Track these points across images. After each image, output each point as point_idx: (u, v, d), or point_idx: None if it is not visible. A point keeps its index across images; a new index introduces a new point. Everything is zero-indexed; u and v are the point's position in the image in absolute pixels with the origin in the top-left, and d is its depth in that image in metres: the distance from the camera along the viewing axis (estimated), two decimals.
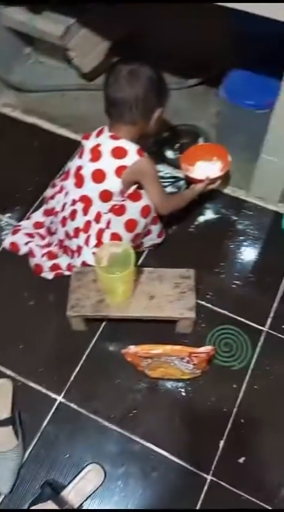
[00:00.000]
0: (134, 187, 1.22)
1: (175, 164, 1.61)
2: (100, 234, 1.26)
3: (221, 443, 1.17)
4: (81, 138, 1.30)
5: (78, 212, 1.25)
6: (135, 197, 1.23)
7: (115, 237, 1.26)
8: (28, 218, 1.50)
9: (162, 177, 1.60)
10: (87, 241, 1.27)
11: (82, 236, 1.27)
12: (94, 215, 1.24)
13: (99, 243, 1.26)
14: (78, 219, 1.25)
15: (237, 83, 1.43)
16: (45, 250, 1.39)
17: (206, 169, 1.43)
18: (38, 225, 1.45)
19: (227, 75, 1.45)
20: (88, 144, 1.24)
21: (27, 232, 1.44)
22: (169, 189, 1.59)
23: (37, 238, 1.42)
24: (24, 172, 1.64)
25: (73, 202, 1.25)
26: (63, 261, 1.36)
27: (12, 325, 1.34)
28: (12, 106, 1.83)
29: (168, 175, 1.61)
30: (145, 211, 1.25)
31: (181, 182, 1.61)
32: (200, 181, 1.37)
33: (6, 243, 1.44)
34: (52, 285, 1.39)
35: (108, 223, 1.26)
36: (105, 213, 1.24)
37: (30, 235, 1.43)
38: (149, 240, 1.39)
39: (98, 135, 1.24)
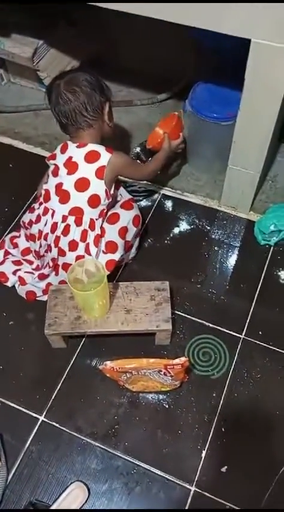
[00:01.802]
0: (113, 188, 1.29)
1: None
2: (97, 240, 1.28)
3: (204, 453, 1.17)
4: (47, 159, 1.33)
5: (71, 225, 1.27)
6: (127, 206, 1.35)
7: (112, 244, 1.30)
8: (13, 243, 1.47)
9: (136, 191, 1.62)
10: (87, 250, 1.28)
11: (81, 246, 1.28)
12: (88, 223, 1.27)
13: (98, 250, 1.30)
14: (72, 232, 1.27)
15: (202, 96, 1.46)
16: (36, 273, 1.39)
17: None
18: (26, 251, 1.44)
19: (192, 89, 1.48)
20: (59, 161, 1.28)
21: (14, 260, 1.44)
22: (143, 203, 1.62)
23: (25, 265, 1.42)
24: (0, 192, 1.66)
25: (64, 218, 1.27)
26: (54, 280, 1.36)
27: None
28: None
29: (142, 189, 1.63)
30: (136, 221, 1.36)
31: (155, 195, 1.64)
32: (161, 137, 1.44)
33: None
34: (31, 304, 1.39)
35: (102, 230, 1.29)
36: (97, 219, 1.28)
37: (18, 262, 1.43)
38: (130, 254, 1.43)
39: (63, 151, 1.28)
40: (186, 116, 1.49)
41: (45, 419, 1.22)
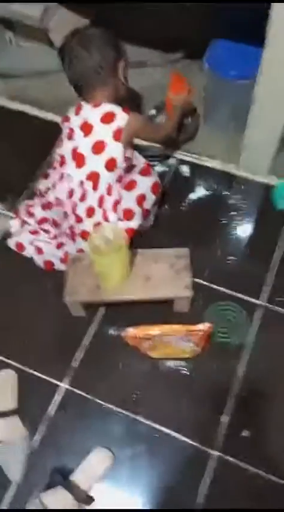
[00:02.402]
0: (130, 150, 1.25)
1: None
2: (115, 206, 1.26)
3: (225, 418, 1.18)
4: (61, 122, 1.28)
5: (88, 191, 1.24)
6: (145, 172, 1.29)
7: (128, 212, 1.27)
8: (29, 212, 1.44)
9: (152, 156, 1.57)
10: (105, 216, 1.26)
11: (99, 212, 1.25)
12: (106, 188, 1.24)
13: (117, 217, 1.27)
14: (89, 198, 1.24)
15: (220, 54, 1.40)
16: (54, 242, 1.37)
17: None
18: (42, 220, 1.41)
19: (210, 47, 1.42)
20: (73, 123, 1.24)
21: (31, 229, 1.41)
22: (158, 168, 1.57)
23: (42, 234, 1.40)
24: (12, 160, 1.62)
25: (81, 183, 1.24)
26: (71, 248, 1.34)
27: (12, 315, 1.35)
28: None
29: (158, 153, 1.59)
30: (155, 188, 1.31)
31: (171, 160, 1.59)
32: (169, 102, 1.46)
33: (11, 243, 1.41)
34: (50, 273, 1.38)
35: (120, 196, 1.26)
36: (114, 184, 1.24)
37: (35, 232, 1.41)
38: (146, 222, 1.39)
39: (77, 112, 1.24)
40: (203, 75, 1.43)
41: (67, 387, 1.24)
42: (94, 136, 1.20)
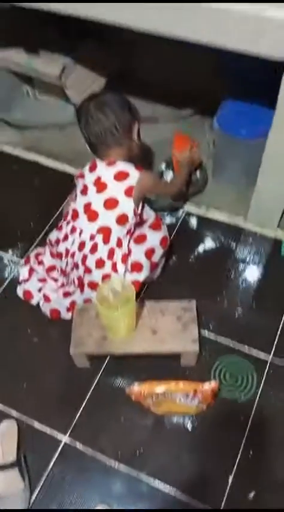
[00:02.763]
0: (140, 206, 1.29)
1: None
2: (124, 259, 1.28)
3: (230, 478, 1.15)
4: (75, 178, 1.33)
5: (99, 243, 1.27)
6: (155, 227, 1.33)
7: (137, 265, 1.29)
8: (38, 260, 1.47)
9: (161, 208, 1.61)
10: (114, 268, 1.28)
11: (108, 264, 1.28)
12: (116, 241, 1.27)
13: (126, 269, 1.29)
14: (99, 250, 1.27)
15: (230, 113, 1.46)
16: (61, 290, 1.39)
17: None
18: (50, 268, 1.44)
19: (221, 106, 1.48)
20: (88, 180, 1.28)
21: (39, 277, 1.44)
22: (167, 219, 1.61)
23: (50, 282, 1.42)
24: (26, 208, 1.67)
25: (92, 236, 1.27)
26: (79, 298, 1.36)
27: (16, 363, 1.34)
28: (13, 144, 1.88)
29: (167, 205, 1.62)
30: (164, 242, 1.35)
31: (180, 212, 1.63)
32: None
33: (19, 292, 1.43)
34: (56, 322, 1.39)
35: (129, 250, 1.29)
36: (124, 238, 1.28)
37: (43, 280, 1.43)
38: (154, 274, 1.41)
39: (92, 170, 1.28)
40: (214, 134, 1.49)
41: (68, 441, 1.21)
42: (107, 193, 1.25)
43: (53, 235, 1.38)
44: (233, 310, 1.40)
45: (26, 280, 1.44)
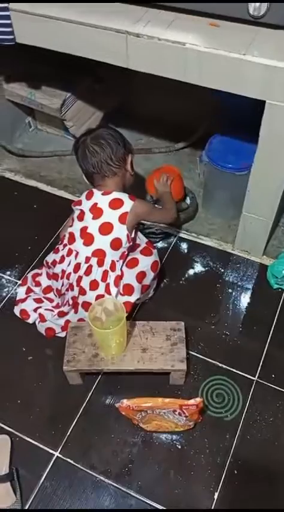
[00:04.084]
0: (134, 232, 1.37)
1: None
2: (117, 281, 1.35)
3: (216, 495, 1.18)
4: (73, 204, 1.41)
5: (94, 266, 1.34)
6: (146, 252, 1.40)
7: (129, 287, 1.36)
8: (35, 281, 1.53)
9: (153, 233, 1.69)
10: (107, 290, 1.35)
11: (102, 286, 1.35)
12: (110, 264, 1.34)
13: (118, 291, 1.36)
14: (94, 273, 1.34)
15: (218, 147, 1.56)
16: (56, 311, 1.45)
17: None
18: (47, 290, 1.50)
19: (209, 141, 1.58)
20: (85, 206, 1.36)
21: (35, 297, 1.50)
22: (159, 244, 1.69)
23: (46, 302, 1.48)
24: (24, 231, 1.74)
25: (87, 259, 1.34)
26: (73, 317, 1.42)
27: (10, 380, 1.38)
28: (14, 171, 1.97)
29: (159, 231, 1.71)
30: (154, 266, 1.41)
31: (171, 238, 1.71)
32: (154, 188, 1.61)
33: (16, 311, 1.49)
34: (50, 340, 1.44)
35: (122, 273, 1.35)
36: (118, 261, 1.35)
37: (39, 300, 1.49)
38: (146, 295, 1.47)
39: (88, 198, 1.36)
40: (203, 166, 1.58)
41: (60, 455, 1.24)
42: (102, 218, 1.32)
43: (50, 257, 1.45)
44: (221, 333, 1.46)
45: (23, 300, 1.50)
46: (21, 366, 1.41)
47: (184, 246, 1.70)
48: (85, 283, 1.35)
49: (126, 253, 1.36)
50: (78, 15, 1.26)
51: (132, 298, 1.36)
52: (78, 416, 1.31)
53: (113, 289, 1.35)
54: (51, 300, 1.48)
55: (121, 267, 1.36)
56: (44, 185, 1.91)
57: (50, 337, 1.45)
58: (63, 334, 1.42)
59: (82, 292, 1.36)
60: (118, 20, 1.23)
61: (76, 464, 1.23)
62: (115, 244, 1.33)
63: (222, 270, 1.61)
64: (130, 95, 2.01)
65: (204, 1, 1.18)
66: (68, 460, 1.24)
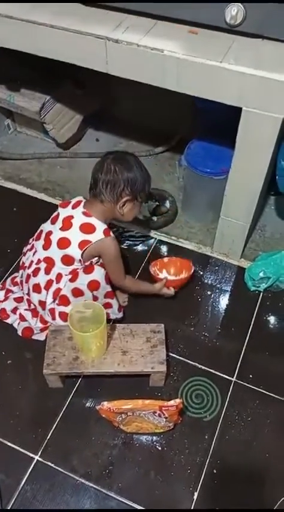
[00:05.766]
0: (95, 259, 1.32)
1: (144, 223, 1.73)
2: (57, 293, 1.34)
3: (196, 494, 1.20)
4: (59, 204, 1.40)
5: (41, 270, 1.35)
6: (87, 270, 1.31)
7: (64, 299, 1.34)
8: (13, 282, 1.54)
9: (133, 236, 1.71)
10: (46, 297, 1.36)
11: (44, 293, 1.36)
12: (56, 275, 1.33)
13: (54, 301, 1.36)
14: (39, 277, 1.35)
15: (196, 152, 1.58)
16: (31, 311, 1.44)
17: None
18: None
19: (188, 145, 1.60)
20: (63, 213, 1.34)
21: (15, 296, 1.50)
22: (139, 247, 1.70)
23: (25, 301, 1.47)
24: (3, 235, 1.73)
25: (38, 261, 1.35)
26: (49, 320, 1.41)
27: None
28: None
29: (139, 234, 1.72)
30: (92, 285, 1.32)
31: (151, 241, 1.73)
32: (161, 279, 1.47)
33: None
34: (30, 344, 1.44)
35: (65, 287, 1.34)
36: (66, 275, 1.33)
37: (19, 299, 1.49)
38: (112, 313, 1.44)
39: (74, 207, 1.34)
40: (182, 170, 1.60)
41: (40, 459, 1.24)
42: (66, 233, 1.29)
43: (25, 248, 1.48)
44: (200, 334, 1.48)
45: (2, 301, 1.50)
46: (1, 369, 1.40)
47: (164, 249, 1.72)
48: (31, 283, 1.37)
49: (78, 271, 1.32)
50: (52, 18, 1.26)
51: (67, 309, 1.33)
52: (58, 419, 1.31)
53: (49, 299, 1.35)
54: (29, 302, 1.48)
55: (66, 282, 1.33)
56: (24, 188, 1.90)
57: (26, 337, 1.44)
58: (42, 337, 1.42)
59: (28, 290, 1.39)
60: (98, 25, 1.24)
61: (56, 468, 1.23)
62: (66, 260, 1.31)
63: (201, 273, 1.64)
64: (111, 99, 2.02)
65: (167, 1, 1.20)
66: (48, 463, 1.24)
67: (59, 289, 1.34)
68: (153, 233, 1.74)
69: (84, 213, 1.30)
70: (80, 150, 2.05)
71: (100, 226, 1.29)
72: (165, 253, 1.70)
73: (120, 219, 1.37)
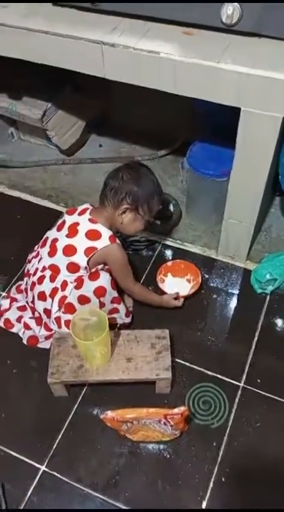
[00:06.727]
0: (100, 266, 1.30)
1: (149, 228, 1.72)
2: (62, 301, 1.33)
3: (204, 503, 1.17)
4: (65, 211, 1.40)
5: (46, 278, 1.34)
6: (93, 276, 1.29)
7: (69, 307, 1.32)
8: (18, 290, 1.54)
9: (138, 241, 1.69)
10: (51, 305, 1.35)
11: (49, 301, 1.35)
12: (61, 283, 1.32)
13: (59, 310, 1.34)
14: (44, 285, 1.34)
15: (199, 154, 1.56)
16: (34, 318, 1.44)
17: (177, 285, 1.54)
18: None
19: (190, 148, 1.59)
20: (69, 220, 1.34)
21: (19, 305, 1.49)
22: (144, 252, 1.68)
23: (29, 310, 1.47)
24: (8, 242, 1.73)
25: (43, 268, 1.35)
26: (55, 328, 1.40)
27: None
28: None
29: (143, 239, 1.71)
30: (98, 291, 1.30)
31: (156, 245, 1.71)
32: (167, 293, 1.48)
33: (0, 323, 1.48)
34: (35, 352, 1.43)
35: (70, 295, 1.33)
36: (71, 283, 1.32)
37: (23, 308, 1.48)
38: (119, 318, 1.42)
39: (80, 214, 1.34)
40: (185, 172, 1.58)
41: (46, 469, 1.23)
42: (72, 240, 1.29)
43: (29, 256, 1.47)
44: (206, 339, 1.46)
45: (7, 310, 1.49)
46: (6, 379, 1.40)
47: (169, 253, 1.70)
48: (35, 291, 1.36)
49: (83, 278, 1.31)
50: (46, 24, 1.26)
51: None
52: (64, 429, 1.29)
53: (54, 308, 1.33)
54: (33, 309, 1.47)
55: (72, 289, 1.31)
56: (28, 195, 1.90)
57: (32, 346, 1.44)
58: (47, 345, 1.41)
59: (33, 298, 1.38)
60: (93, 29, 1.24)
61: (62, 478, 1.22)
62: (72, 267, 1.30)
63: (207, 276, 1.61)
64: (112, 103, 2.01)
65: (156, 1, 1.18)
66: (54, 473, 1.23)
67: (64, 297, 1.33)
68: (157, 238, 1.72)
69: (90, 220, 1.31)
70: (83, 156, 2.04)
71: (106, 233, 1.29)
72: (170, 257, 1.68)
73: (121, 229, 1.35)
